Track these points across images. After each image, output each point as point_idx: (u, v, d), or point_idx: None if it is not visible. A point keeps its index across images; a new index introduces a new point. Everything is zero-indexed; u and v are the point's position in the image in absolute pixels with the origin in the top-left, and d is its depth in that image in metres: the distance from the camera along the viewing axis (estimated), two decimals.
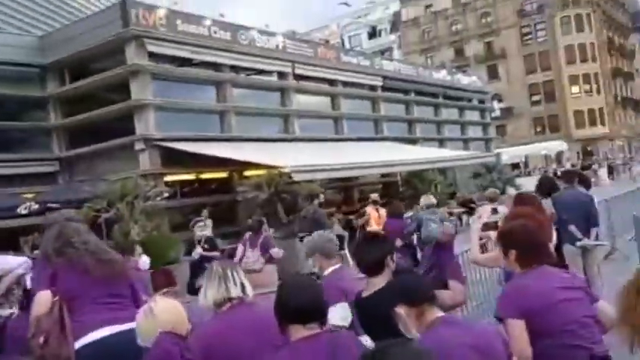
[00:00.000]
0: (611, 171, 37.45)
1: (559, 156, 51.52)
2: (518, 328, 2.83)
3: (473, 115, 31.01)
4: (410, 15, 68.08)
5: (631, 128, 68.97)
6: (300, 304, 2.39)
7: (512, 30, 61.32)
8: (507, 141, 51.81)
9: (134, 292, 3.58)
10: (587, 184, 7.14)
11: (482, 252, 4.95)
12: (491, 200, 8.96)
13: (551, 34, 59.54)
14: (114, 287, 3.45)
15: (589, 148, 58.50)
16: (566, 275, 3.20)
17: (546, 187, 6.81)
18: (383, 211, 12.03)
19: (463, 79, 30.23)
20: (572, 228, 6.32)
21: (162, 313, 2.56)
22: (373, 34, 69.91)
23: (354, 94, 22.72)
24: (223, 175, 17.70)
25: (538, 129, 60.16)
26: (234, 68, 18.04)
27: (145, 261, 8.08)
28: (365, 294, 3.06)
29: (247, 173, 16.61)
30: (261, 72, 19.05)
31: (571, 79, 59.12)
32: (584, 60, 58.88)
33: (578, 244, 6.32)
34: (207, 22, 17.25)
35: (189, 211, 15.97)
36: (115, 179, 13.34)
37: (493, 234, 4.95)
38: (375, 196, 13.55)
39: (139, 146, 15.23)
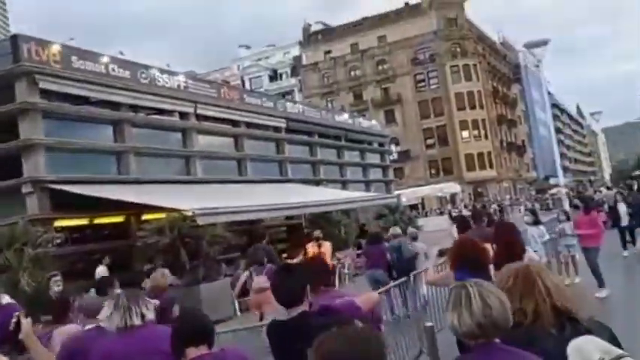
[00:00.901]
0: (501, 211, 39.55)
1: (453, 197, 54.07)
2: None
3: (373, 158, 31.84)
4: (310, 60, 69.86)
5: (515, 171, 74.06)
6: (193, 328, 2.85)
7: (407, 77, 64.51)
8: (404, 183, 53.75)
9: None
10: (492, 224, 7.36)
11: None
12: (413, 239, 11.33)
13: (442, 81, 63.19)
14: None
15: (479, 190, 61.91)
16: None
17: (463, 225, 6.97)
18: (327, 246, 12.58)
19: (364, 123, 31.08)
20: None
21: None
22: (274, 77, 70.85)
23: (258, 136, 22.60)
24: (119, 219, 16.76)
25: (433, 171, 62.98)
26: (134, 107, 17.38)
27: None
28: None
29: (146, 217, 15.81)
30: (161, 112, 18.48)
31: (461, 124, 62.77)
32: (472, 107, 62.87)
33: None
34: (105, 60, 16.58)
35: (82, 259, 14.94)
36: (0, 225, 12.20)
37: None
38: (317, 232, 13.70)
39: (26, 189, 14.09)
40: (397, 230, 11.63)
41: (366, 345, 1.76)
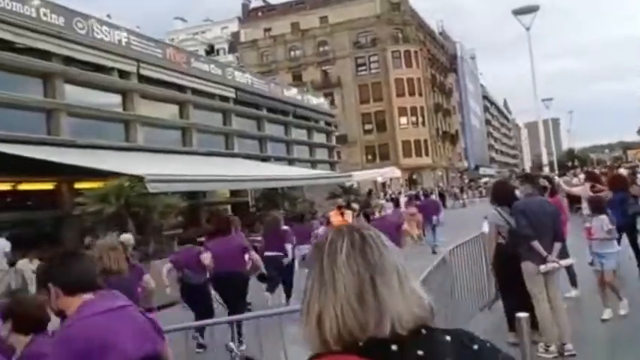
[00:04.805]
0: (442, 198, 39.70)
1: (389, 183, 53.69)
2: None
3: (319, 138, 30.57)
4: (249, 37, 67.46)
5: (448, 159, 74.98)
6: None
7: (348, 60, 63.40)
8: (342, 167, 52.88)
9: None
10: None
11: None
12: None
13: (383, 66, 62.54)
14: None
15: (414, 177, 61.98)
16: None
17: (502, 194, 5.76)
18: (349, 215, 11.81)
19: (312, 100, 29.68)
20: (536, 244, 5.25)
21: None
22: (211, 52, 67.94)
23: (205, 105, 20.73)
24: (48, 186, 14.67)
25: (369, 157, 62.42)
26: (67, 60, 15.19)
27: None
28: None
29: (81, 185, 13.87)
30: (99, 68, 16.33)
31: (400, 110, 62.46)
32: (412, 93, 62.65)
33: (542, 268, 5.26)
34: (36, 2, 14.30)
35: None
36: None
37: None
38: (340, 200, 13.78)
39: None
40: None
41: None
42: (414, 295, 1.16)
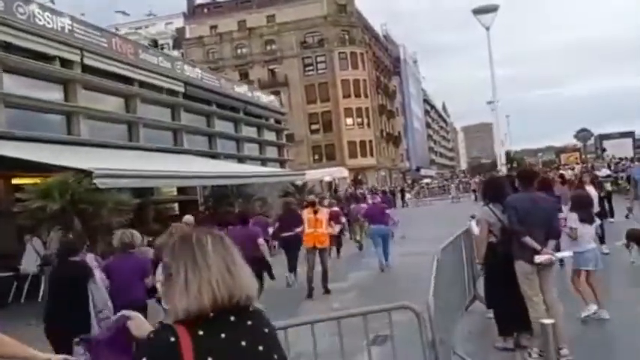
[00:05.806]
0: (393, 196, 40.11)
1: (335, 183, 53.69)
2: None
3: (269, 135, 30.04)
4: (194, 33, 66.08)
5: (391, 160, 75.88)
6: None
7: (295, 60, 63.03)
8: (289, 167, 52.41)
9: None
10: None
11: None
12: None
13: (330, 67, 62.55)
14: None
15: (359, 177, 62.27)
16: None
17: (494, 190, 5.48)
18: (324, 213, 10.98)
19: (262, 97, 29.10)
20: (528, 239, 5.01)
21: None
22: (155, 47, 66.13)
23: (153, 99, 19.84)
24: None
25: (317, 156, 62.29)
26: (6, 47, 14.10)
27: None
28: None
29: (20, 181, 12.90)
30: (40, 57, 15.26)
31: (346, 111, 62.65)
32: (357, 95, 62.98)
33: (537, 258, 5.01)
34: None
35: None
36: None
37: None
38: (312, 197, 13.76)
39: None
40: None
41: None
42: (253, 280, 1.67)
